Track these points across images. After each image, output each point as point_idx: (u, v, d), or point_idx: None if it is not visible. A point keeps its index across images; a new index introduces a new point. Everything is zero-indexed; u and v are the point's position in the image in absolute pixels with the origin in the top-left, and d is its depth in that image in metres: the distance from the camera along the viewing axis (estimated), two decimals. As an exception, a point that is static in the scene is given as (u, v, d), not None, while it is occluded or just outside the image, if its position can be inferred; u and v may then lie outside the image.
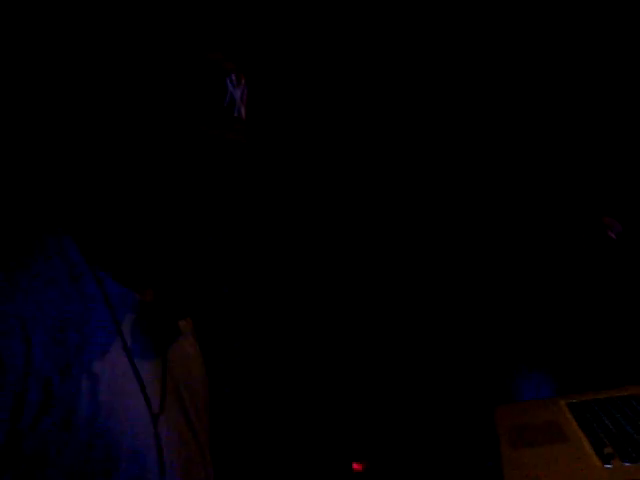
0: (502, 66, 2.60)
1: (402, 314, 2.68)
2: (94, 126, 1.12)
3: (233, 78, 1.11)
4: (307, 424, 2.55)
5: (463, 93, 2.65)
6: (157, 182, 1.10)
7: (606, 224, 2.37)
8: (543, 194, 2.62)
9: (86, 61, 1.13)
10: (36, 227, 1.16)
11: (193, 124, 1.08)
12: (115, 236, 1.14)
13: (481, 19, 2.60)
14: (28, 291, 1.04)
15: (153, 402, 1.15)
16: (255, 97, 1.18)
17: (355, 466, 2.43)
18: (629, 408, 1.86)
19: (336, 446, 2.57)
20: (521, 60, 2.59)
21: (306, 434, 2.54)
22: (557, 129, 2.61)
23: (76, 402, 1.05)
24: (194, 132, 1.07)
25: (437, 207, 2.69)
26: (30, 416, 1.02)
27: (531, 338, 2.53)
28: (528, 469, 1.77)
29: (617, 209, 2.50)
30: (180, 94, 1.08)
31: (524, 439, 1.97)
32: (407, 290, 2.69)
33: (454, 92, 2.65)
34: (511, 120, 2.65)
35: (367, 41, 2.59)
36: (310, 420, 2.55)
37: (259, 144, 1.13)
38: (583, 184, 2.60)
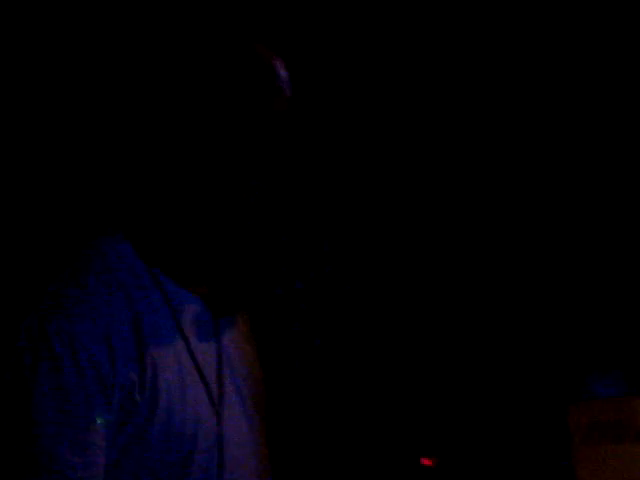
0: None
1: (477, 313, 2.67)
2: (151, 128, 1.16)
3: (279, 62, 1.18)
4: (376, 419, 2.56)
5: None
6: (215, 181, 1.13)
7: None
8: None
9: (155, 70, 1.17)
10: (94, 234, 1.18)
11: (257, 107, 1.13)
12: (171, 238, 1.16)
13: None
14: (106, 300, 1.07)
15: (215, 400, 1.16)
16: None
17: (424, 461, 2.42)
18: None
19: (406, 442, 2.57)
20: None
21: (375, 429, 2.55)
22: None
23: (154, 407, 1.07)
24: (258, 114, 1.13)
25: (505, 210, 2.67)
26: (116, 424, 1.05)
27: (606, 336, 2.48)
28: (601, 467, 1.75)
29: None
30: (242, 84, 1.14)
31: (598, 437, 1.94)
32: (483, 289, 2.68)
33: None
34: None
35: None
36: (380, 415, 2.56)
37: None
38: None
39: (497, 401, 2.62)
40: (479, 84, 2.63)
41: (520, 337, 2.62)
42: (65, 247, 1.19)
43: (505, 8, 2.55)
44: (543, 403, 2.52)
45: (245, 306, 1.31)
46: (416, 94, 2.65)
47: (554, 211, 2.63)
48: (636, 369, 2.22)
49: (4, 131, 2.15)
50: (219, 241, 1.18)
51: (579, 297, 2.56)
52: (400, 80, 2.64)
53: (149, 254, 1.15)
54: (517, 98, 2.62)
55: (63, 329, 1.03)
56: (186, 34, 1.16)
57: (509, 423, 2.57)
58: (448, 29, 2.60)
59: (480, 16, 2.58)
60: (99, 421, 1.03)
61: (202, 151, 1.12)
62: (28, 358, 1.02)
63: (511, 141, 2.65)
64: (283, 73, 1.17)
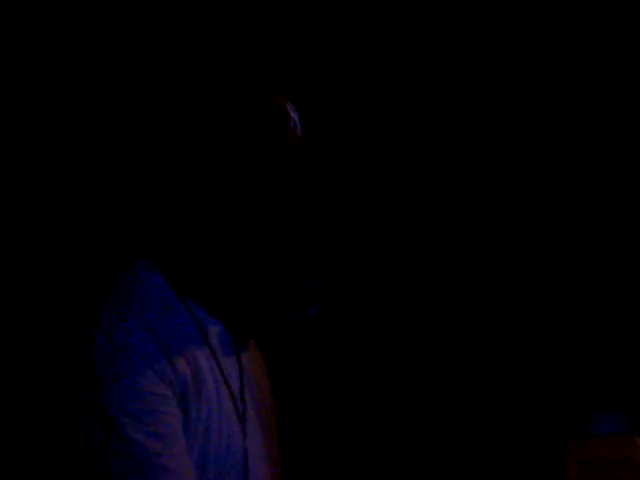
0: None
1: (483, 347, 2.68)
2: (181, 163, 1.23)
3: (290, 105, 1.28)
4: (388, 445, 2.56)
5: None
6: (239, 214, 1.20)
7: None
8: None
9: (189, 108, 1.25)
10: (128, 262, 1.26)
11: (273, 148, 1.23)
12: (196, 271, 1.24)
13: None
14: (153, 318, 1.15)
15: (240, 416, 1.22)
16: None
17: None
18: None
19: (411, 468, 2.57)
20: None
21: (387, 453, 2.55)
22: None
23: (198, 415, 1.13)
24: (274, 155, 1.22)
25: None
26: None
27: (606, 373, 2.50)
28: (599, 504, 1.76)
29: None
30: (261, 128, 1.23)
31: (595, 475, 1.96)
32: (490, 321, 2.69)
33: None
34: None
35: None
36: (392, 441, 2.57)
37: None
38: None
39: (496, 437, 2.62)
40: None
41: (519, 374, 2.63)
42: (100, 273, 1.26)
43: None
44: (541, 440, 2.52)
45: (259, 332, 1.37)
46: (425, 116, 2.68)
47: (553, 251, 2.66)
48: (635, 407, 2.23)
49: (39, 156, 2.21)
50: (238, 273, 1.25)
51: (580, 334, 2.58)
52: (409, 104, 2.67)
53: (177, 283, 1.22)
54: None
55: (129, 342, 1.10)
56: (205, 83, 1.26)
57: (507, 459, 2.58)
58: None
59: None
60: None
61: (223, 189, 1.20)
62: (104, 367, 1.09)
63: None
64: (294, 114, 1.27)
